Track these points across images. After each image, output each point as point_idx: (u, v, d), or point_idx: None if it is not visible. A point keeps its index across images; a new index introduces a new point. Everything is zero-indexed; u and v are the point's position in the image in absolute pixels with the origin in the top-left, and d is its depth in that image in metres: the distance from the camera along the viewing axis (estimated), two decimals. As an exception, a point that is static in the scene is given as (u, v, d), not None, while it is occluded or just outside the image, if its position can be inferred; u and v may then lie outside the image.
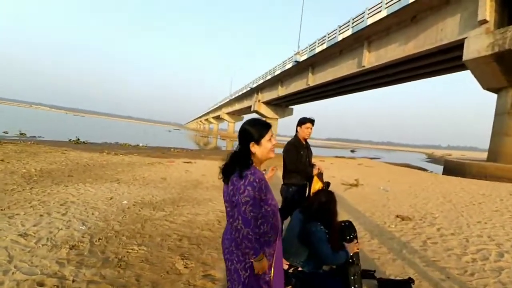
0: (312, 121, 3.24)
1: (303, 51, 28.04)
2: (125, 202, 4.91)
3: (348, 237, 2.44)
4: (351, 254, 2.31)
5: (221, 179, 1.57)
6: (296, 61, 28.83)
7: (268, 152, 1.58)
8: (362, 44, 20.81)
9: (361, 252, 3.57)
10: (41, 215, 3.91)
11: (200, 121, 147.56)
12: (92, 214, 4.18)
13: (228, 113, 75.65)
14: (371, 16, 18.38)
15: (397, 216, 5.40)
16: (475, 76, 14.96)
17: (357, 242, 2.46)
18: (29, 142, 12.43)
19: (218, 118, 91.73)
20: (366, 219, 5.18)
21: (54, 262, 2.75)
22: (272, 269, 1.65)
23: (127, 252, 3.11)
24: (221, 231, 3.98)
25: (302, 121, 3.24)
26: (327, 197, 2.29)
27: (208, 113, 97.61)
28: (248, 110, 54.93)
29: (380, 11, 17.54)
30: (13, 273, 2.50)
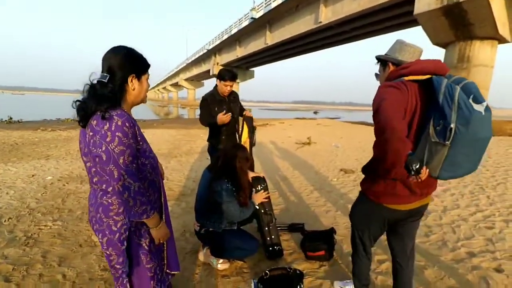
0: (233, 78, 2.79)
1: (259, 6, 26.51)
2: (49, 178, 4.45)
3: (256, 189, 2.35)
4: (257, 203, 2.23)
5: (77, 121, 1.17)
6: (252, 18, 27.33)
7: (145, 92, 1.28)
8: (319, -3, 20.16)
9: (296, 206, 3.65)
10: None
11: (158, 89, 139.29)
12: (7, 193, 3.71)
13: (186, 80, 71.73)
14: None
15: (341, 170, 5.59)
16: (425, 30, 15.34)
17: (267, 192, 2.35)
18: None
19: (176, 85, 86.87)
20: (311, 175, 5.29)
21: None
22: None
23: (39, 229, 2.82)
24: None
25: (222, 77, 2.76)
26: (232, 153, 2.09)
27: (165, 80, 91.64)
28: (207, 74, 52.59)
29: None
30: None
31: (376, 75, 1.57)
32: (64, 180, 4.38)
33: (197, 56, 50.77)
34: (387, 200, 1.44)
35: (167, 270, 1.46)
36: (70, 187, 4.04)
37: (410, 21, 18.17)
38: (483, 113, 1.10)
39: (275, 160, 6.60)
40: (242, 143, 2.88)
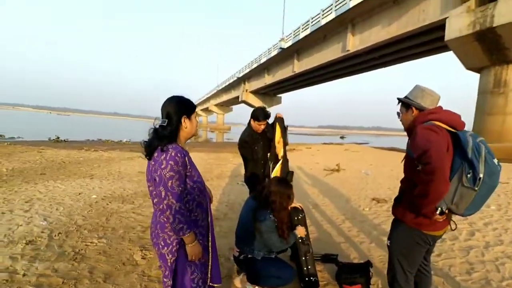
0: (266, 117, 2.96)
1: (288, 37, 27.64)
2: (94, 196, 4.79)
3: (296, 218, 2.39)
4: (299, 236, 2.27)
5: (144, 155, 1.49)
6: (281, 48, 28.42)
7: (195, 128, 1.57)
8: (346, 27, 20.61)
9: (328, 236, 3.60)
10: (2, 213, 3.78)
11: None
12: (57, 209, 4.06)
13: (216, 105, 74.79)
14: (353, -1, 18.13)
15: (373, 199, 5.42)
16: (457, 56, 15.02)
17: (304, 226, 2.40)
18: (5, 143, 12.03)
19: (206, 110, 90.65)
20: (342, 203, 5.19)
21: (8, 257, 2.68)
22: (210, 252, 1.61)
23: (86, 245, 3.03)
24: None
25: (256, 117, 2.94)
26: (275, 188, 2.16)
27: (196, 105, 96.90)
28: (236, 100, 54.42)
29: (362, -8, 17.31)
30: (-38, 269, 2.43)
31: (398, 114, 1.79)
32: (107, 199, 4.70)
33: (227, 83, 53.10)
34: (428, 227, 1.61)
35: (210, 283, 1.62)
36: (113, 206, 4.32)
37: (441, 46, 17.88)
38: (499, 168, 1.43)
39: (305, 187, 6.57)
40: (276, 143, 2.96)
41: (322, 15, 21.60)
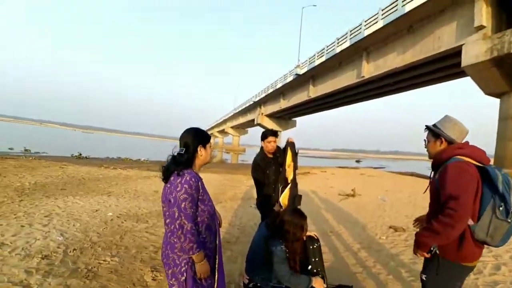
0: (274, 134, 3.11)
1: (303, 64, 28.28)
2: (110, 214, 4.89)
3: (311, 248, 2.32)
4: (313, 284, 2.12)
5: (161, 178, 1.64)
6: (296, 74, 29.06)
7: (209, 156, 1.72)
8: (361, 55, 20.91)
9: (343, 265, 3.47)
10: (22, 226, 3.91)
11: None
12: (73, 225, 4.15)
13: (232, 127, 76.00)
14: (368, 27, 18.54)
15: (390, 227, 5.21)
16: (475, 82, 14.81)
17: (319, 256, 2.33)
18: (31, 158, 12.65)
19: (222, 132, 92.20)
20: (357, 230, 5.02)
21: (23, 271, 2.74)
22: (216, 275, 1.64)
23: (99, 263, 3.06)
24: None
25: (264, 136, 3.08)
26: (289, 218, 2.14)
27: (213, 127, 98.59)
28: (251, 123, 55.12)
29: (377, 22, 17.70)
30: (-22, 281, 2.50)
31: (425, 141, 1.78)
32: (122, 217, 4.77)
33: (243, 107, 54.23)
34: (467, 259, 1.59)
35: None
36: (127, 225, 4.38)
37: (457, 72, 17.72)
38: None
39: (319, 212, 6.42)
40: (286, 166, 2.97)
41: (337, 43, 22.11)
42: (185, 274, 1.53)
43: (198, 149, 1.63)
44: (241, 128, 75.84)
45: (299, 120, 47.88)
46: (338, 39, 22.14)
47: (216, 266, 1.70)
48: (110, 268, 2.96)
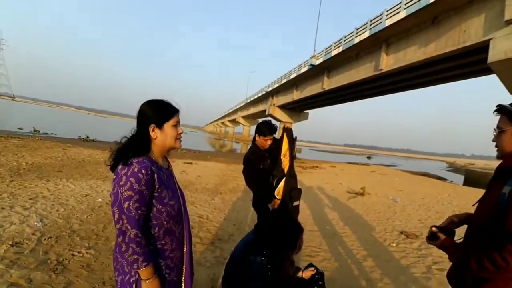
0: (273, 132, 2.66)
1: (319, 54, 27.33)
2: (100, 200, 4.61)
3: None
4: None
5: (109, 165, 1.23)
6: (311, 65, 28.14)
7: (172, 139, 1.29)
8: (380, 46, 19.87)
9: (345, 276, 3.04)
10: (2, 208, 3.68)
11: (217, 124, 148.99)
12: (57, 210, 3.89)
13: (243, 117, 75.67)
14: (389, 18, 17.49)
15: (402, 233, 4.73)
16: (501, 80, 13.82)
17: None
18: (37, 138, 12.64)
19: (233, 121, 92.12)
20: (364, 234, 4.56)
21: (-14, 259, 2.46)
22: None
23: (72, 255, 2.77)
24: (193, 239, 3.56)
25: (262, 133, 2.65)
26: (278, 231, 1.72)
27: (224, 116, 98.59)
28: (263, 114, 54.54)
29: (399, 12, 16.65)
30: None
31: (500, 130, 1.14)
32: (110, 204, 4.48)
33: (255, 97, 53.67)
34: None
35: None
36: (113, 213, 4.08)
37: (482, 69, 16.61)
38: None
39: (324, 210, 5.99)
40: (281, 156, 2.55)
41: (356, 33, 21.10)
42: (134, 286, 1.18)
43: (150, 130, 1.24)
44: (252, 118, 75.41)
45: (311, 112, 46.99)
46: (357, 29, 21.12)
47: (183, 278, 1.34)
48: (82, 262, 2.65)
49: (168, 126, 1.26)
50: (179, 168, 9.35)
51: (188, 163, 11.14)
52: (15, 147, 8.93)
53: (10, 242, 2.81)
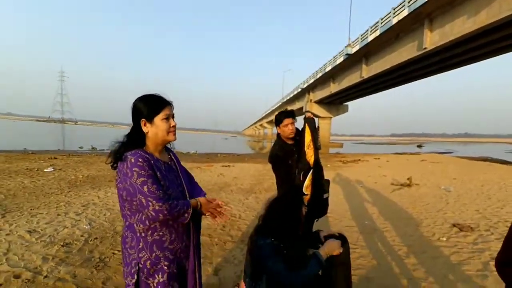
0: (289, 115, 2.50)
1: (354, 42, 26.00)
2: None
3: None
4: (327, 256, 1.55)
5: (110, 163, 1.29)
6: (347, 54, 26.87)
7: (164, 132, 1.31)
8: (422, 23, 18.19)
9: (383, 275, 2.80)
10: (58, 214, 4.17)
11: (255, 127, 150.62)
12: (104, 215, 4.28)
13: (281, 116, 75.69)
14: (430, -10, 15.98)
15: (454, 225, 4.22)
16: None
17: (347, 260, 1.70)
18: (93, 154, 14.11)
19: (271, 122, 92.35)
20: (409, 229, 4.15)
21: (41, 257, 2.83)
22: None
23: (113, 253, 3.03)
24: (222, 237, 3.65)
25: (278, 119, 2.51)
26: (286, 201, 1.60)
27: (262, 118, 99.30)
28: (300, 111, 53.70)
29: (441, -19, 15.13)
30: (1, 264, 2.66)
31: None
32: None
33: (291, 95, 53.08)
34: None
35: None
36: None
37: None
38: None
39: (364, 205, 5.66)
40: (305, 148, 2.40)
41: (394, 13, 19.62)
42: (135, 276, 1.24)
43: (142, 124, 1.28)
44: (290, 117, 74.84)
45: (351, 104, 44.89)
46: (394, 9, 19.62)
47: (188, 272, 1.36)
48: (121, 260, 2.87)
49: (158, 119, 1.29)
50: (217, 171, 9.65)
51: (225, 166, 11.44)
52: (74, 163, 10.09)
53: (61, 243, 3.17)
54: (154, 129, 1.29)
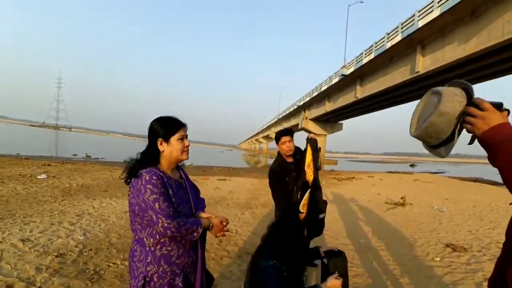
0: (287, 133, 2.59)
1: (350, 64, 26.81)
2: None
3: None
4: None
5: (124, 179, 1.36)
6: (342, 75, 27.66)
7: (178, 152, 1.40)
8: (415, 48, 18.93)
9: None
10: (52, 224, 4.10)
11: (251, 141, 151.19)
12: (99, 225, 4.23)
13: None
14: (421, 18, 16.74)
15: (448, 246, 4.30)
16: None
17: (345, 275, 1.75)
18: (88, 163, 13.96)
19: (267, 137, 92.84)
20: (403, 248, 4.22)
21: (34, 267, 2.77)
22: None
23: (108, 265, 2.98)
24: (219, 252, 3.63)
25: (277, 137, 2.62)
26: (286, 223, 1.66)
27: (258, 133, 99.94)
28: (295, 128, 54.31)
29: (432, 10, 15.86)
30: (-8, 273, 2.58)
31: None
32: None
33: (287, 112, 53.79)
34: None
35: None
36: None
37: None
38: None
39: (358, 223, 5.70)
40: (306, 167, 2.47)
41: (387, 38, 20.41)
42: None
43: (158, 143, 1.37)
44: (286, 133, 75.34)
45: (345, 123, 45.62)
46: (388, 34, 20.43)
47: (195, 285, 1.40)
48: (116, 272, 2.84)
49: (174, 139, 1.38)
50: (213, 185, 9.62)
51: (221, 179, 11.41)
52: (68, 171, 9.96)
53: (55, 254, 3.11)
54: (170, 148, 1.38)
